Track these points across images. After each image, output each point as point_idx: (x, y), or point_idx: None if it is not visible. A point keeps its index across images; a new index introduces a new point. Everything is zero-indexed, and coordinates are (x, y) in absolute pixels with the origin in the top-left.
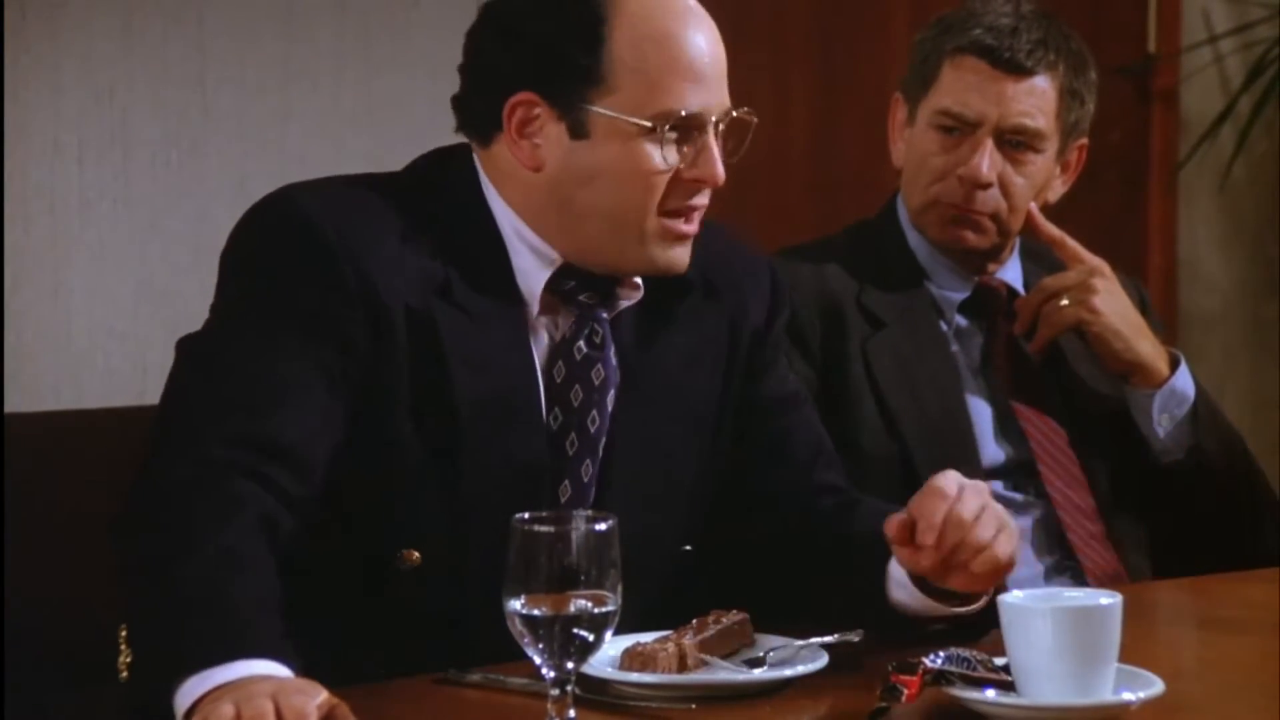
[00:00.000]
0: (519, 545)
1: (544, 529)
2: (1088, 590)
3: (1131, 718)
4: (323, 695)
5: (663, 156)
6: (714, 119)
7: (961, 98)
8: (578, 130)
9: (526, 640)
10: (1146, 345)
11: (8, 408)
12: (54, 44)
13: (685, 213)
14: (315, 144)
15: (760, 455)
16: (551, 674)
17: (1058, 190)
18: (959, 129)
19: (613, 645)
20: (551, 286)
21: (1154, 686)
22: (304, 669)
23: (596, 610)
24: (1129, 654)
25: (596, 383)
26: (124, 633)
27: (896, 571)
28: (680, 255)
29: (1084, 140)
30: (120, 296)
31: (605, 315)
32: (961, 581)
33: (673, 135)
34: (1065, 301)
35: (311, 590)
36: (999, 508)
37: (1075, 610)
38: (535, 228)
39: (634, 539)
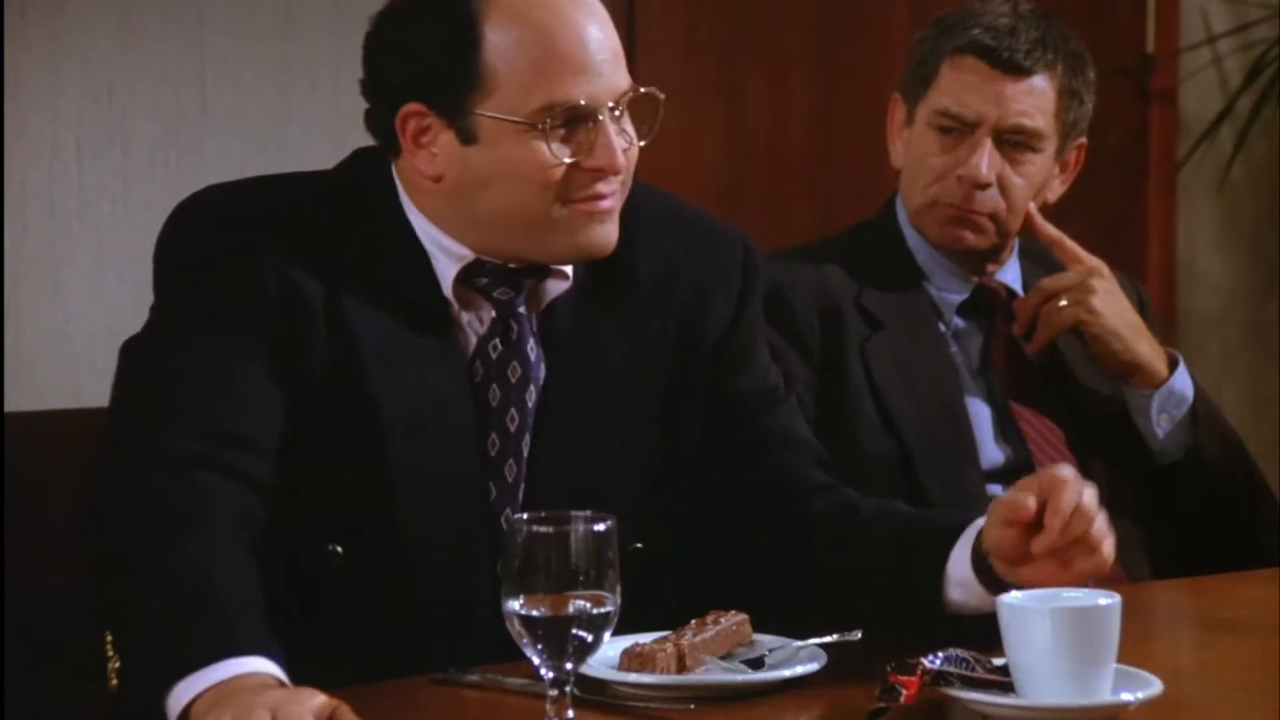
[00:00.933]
0: (517, 545)
1: (542, 529)
2: (1086, 590)
3: (1130, 718)
4: (319, 699)
5: (551, 152)
6: (609, 105)
7: (960, 98)
8: (466, 136)
9: (525, 640)
10: (1145, 346)
11: (7, 407)
12: (53, 44)
13: (594, 198)
14: (314, 144)
15: (745, 452)
16: (550, 674)
17: (1056, 190)
18: (958, 129)
19: (611, 645)
20: (465, 283)
21: (1152, 687)
22: None
23: (595, 611)
24: (1127, 654)
25: (513, 380)
26: (109, 638)
27: (957, 571)
28: (603, 234)
29: (1083, 140)
30: (119, 296)
31: (523, 310)
32: (1048, 577)
33: (560, 130)
34: (1064, 302)
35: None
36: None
37: (1074, 611)
38: (445, 229)
39: None
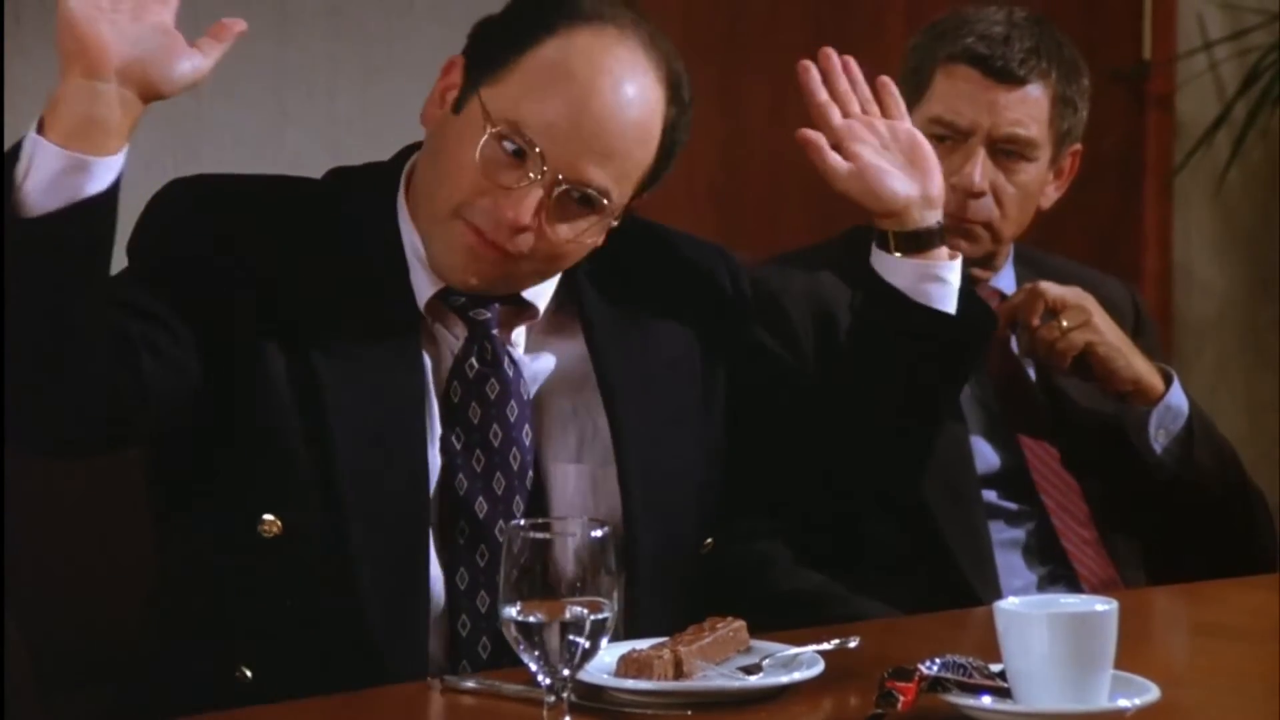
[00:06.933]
0: (515, 552)
1: (540, 536)
2: (1084, 597)
3: None
4: None
5: (479, 156)
6: (558, 172)
7: (954, 106)
8: (458, 105)
9: (522, 647)
10: (1140, 361)
11: None
12: (49, 49)
13: (477, 230)
14: (310, 150)
15: (772, 406)
16: (547, 681)
17: (1051, 196)
18: (951, 137)
19: (609, 652)
20: (443, 300)
21: (1149, 693)
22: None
23: (592, 617)
24: (1124, 660)
25: (493, 397)
26: None
27: (876, 258)
28: (475, 271)
29: (1078, 146)
30: None
31: (496, 332)
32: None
33: (505, 147)
34: (1066, 323)
35: (199, 584)
36: None
37: (1071, 616)
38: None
39: (657, 540)
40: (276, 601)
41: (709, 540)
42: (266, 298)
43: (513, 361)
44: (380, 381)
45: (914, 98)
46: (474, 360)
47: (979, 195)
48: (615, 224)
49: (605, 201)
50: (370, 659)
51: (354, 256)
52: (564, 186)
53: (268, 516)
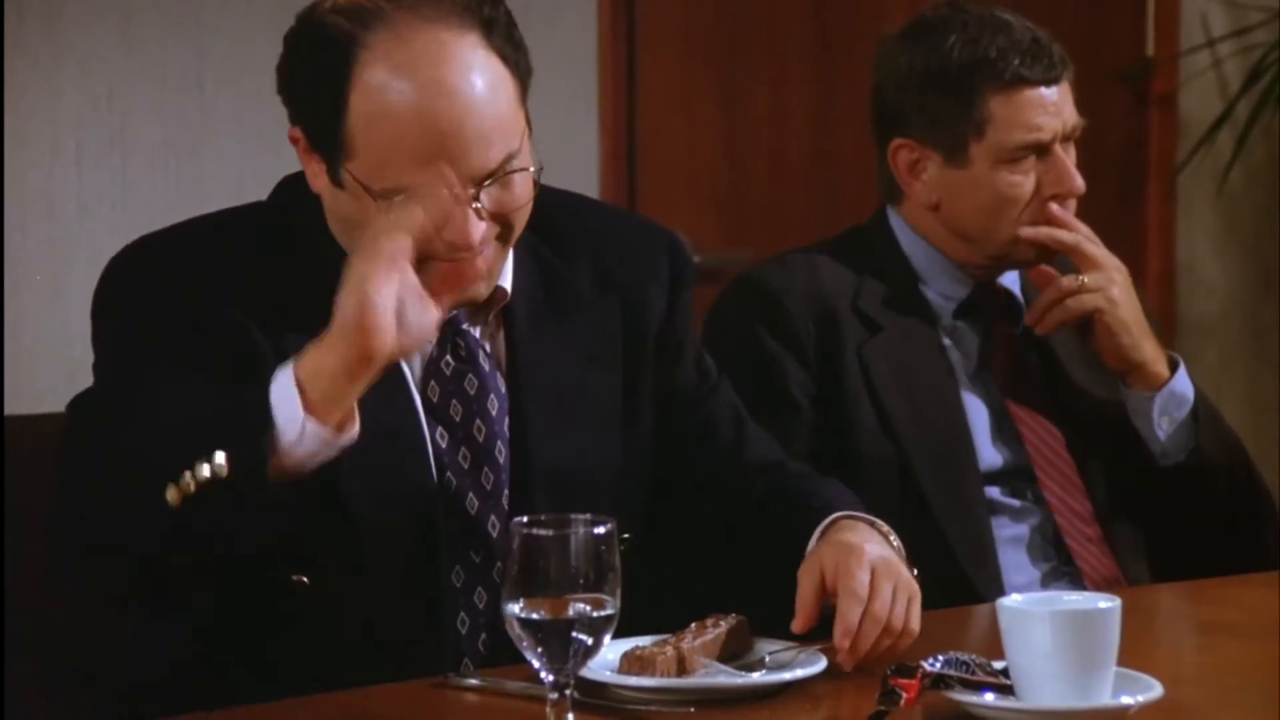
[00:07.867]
0: (518, 549)
1: (543, 532)
2: (1086, 594)
3: None
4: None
5: None
6: (470, 189)
7: (1032, 125)
8: (335, 180)
9: (525, 644)
10: (1150, 346)
11: (6, 410)
12: (52, 47)
13: (455, 264)
14: None
15: (685, 445)
16: (550, 678)
17: None
18: (1030, 154)
19: (612, 649)
20: None
21: (1152, 690)
22: (213, 691)
23: (595, 614)
24: (1127, 658)
25: (472, 392)
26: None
27: None
28: (473, 290)
29: None
30: None
31: (466, 325)
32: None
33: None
34: (1087, 281)
35: (215, 614)
36: (905, 575)
37: (1074, 614)
38: None
39: None
40: (295, 638)
41: (626, 536)
42: (252, 339)
43: (488, 355)
44: (368, 403)
45: (968, 134)
46: (449, 358)
47: (1080, 193)
48: (541, 164)
49: (517, 161)
50: (385, 667)
51: (318, 278)
52: (479, 187)
53: (294, 577)
